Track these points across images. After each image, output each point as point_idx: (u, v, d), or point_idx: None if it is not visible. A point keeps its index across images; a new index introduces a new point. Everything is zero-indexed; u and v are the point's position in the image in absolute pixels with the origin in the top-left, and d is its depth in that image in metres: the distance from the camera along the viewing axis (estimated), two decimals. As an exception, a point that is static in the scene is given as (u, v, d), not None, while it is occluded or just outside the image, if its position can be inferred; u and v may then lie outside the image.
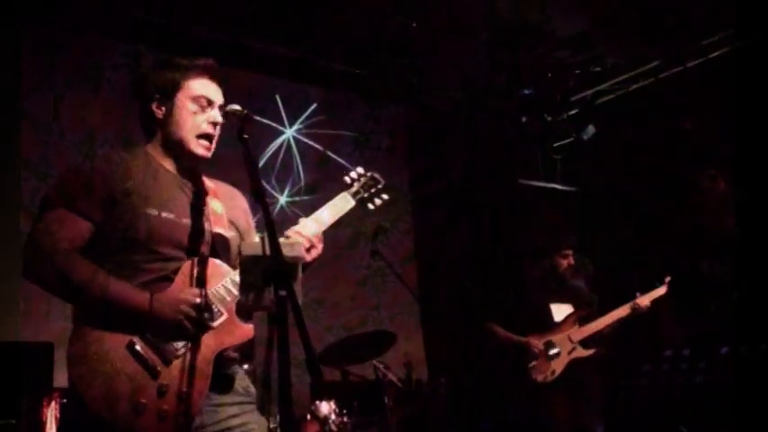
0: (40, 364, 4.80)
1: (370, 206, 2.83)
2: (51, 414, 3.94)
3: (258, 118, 6.80)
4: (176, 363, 2.26)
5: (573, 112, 8.03)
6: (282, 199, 6.86)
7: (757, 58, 6.39)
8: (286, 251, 2.02)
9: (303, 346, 1.84)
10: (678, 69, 7.00)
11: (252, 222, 2.75)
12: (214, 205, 2.54)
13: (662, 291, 5.06)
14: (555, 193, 8.21)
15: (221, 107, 2.52)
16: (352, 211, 2.74)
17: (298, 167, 7.06)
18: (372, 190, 2.83)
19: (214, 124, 2.50)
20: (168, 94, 2.51)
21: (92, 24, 5.93)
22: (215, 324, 2.33)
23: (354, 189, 2.78)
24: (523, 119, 8.13)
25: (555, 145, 8.33)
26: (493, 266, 7.17)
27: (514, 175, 8.05)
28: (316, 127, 7.25)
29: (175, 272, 2.35)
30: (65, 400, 4.00)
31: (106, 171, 2.41)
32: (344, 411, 4.91)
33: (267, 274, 1.99)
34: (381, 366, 5.11)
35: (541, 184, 8.16)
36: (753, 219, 4.58)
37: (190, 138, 2.48)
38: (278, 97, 7.05)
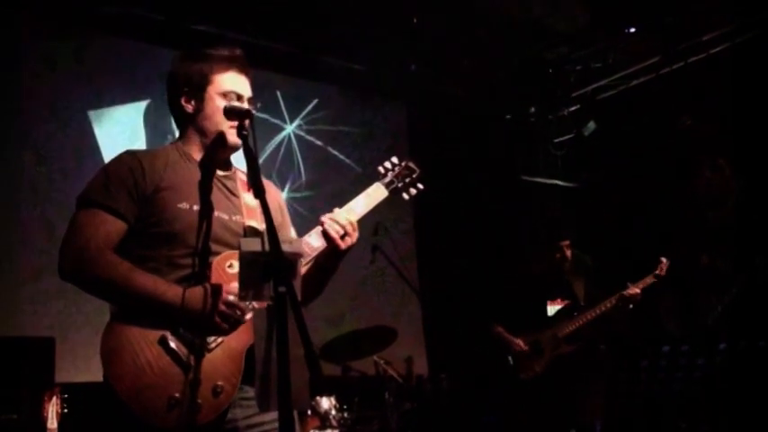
0: (41, 358, 4.81)
1: (405, 196, 2.77)
2: (52, 409, 3.95)
3: (258, 114, 6.84)
4: (209, 357, 2.26)
5: (574, 108, 8.04)
6: (284, 195, 6.87)
7: (757, 53, 6.39)
8: (286, 247, 2.02)
9: (302, 341, 1.85)
10: (679, 65, 7.00)
11: (287, 217, 2.75)
12: (247, 198, 2.54)
13: (650, 279, 5.04)
14: (556, 190, 8.22)
15: (251, 100, 2.54)
16: (385, 200, 2.70)
17: (298, 164, 7.07)
18: (407, 180, 2.77)
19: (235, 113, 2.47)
20: (197, 88, 2.51)
21: (94, 21, 5.95)
22: (247, 318, 2.33)
23: (388, 179, 2.73)
24: (524, 115, 8.14)
25: (556, 141, 8.34)
26: (495, 264, 7.16)
27: (516, 171, 8.05)
28: (316, 123, 7.25)
29: (209, 266, 2.35)
30: (66, 395, 4.02)
31: (138, 168, 2.41)
32: (345, 407, 4.92)
33: (267, 270, 2.00)
34: (382, 362, 5.12)
35: (543, 181, 8.16)
36: (752, 211, 4.58)
37: (224, 129, 2.48)
38: (278, 93, 7.05)
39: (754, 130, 6.26)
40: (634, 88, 7.53)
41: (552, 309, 5.30)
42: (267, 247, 2.00)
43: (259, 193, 2.13)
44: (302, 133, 7.16)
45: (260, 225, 2.49)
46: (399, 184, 2.74)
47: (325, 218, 2.48)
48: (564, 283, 5.39)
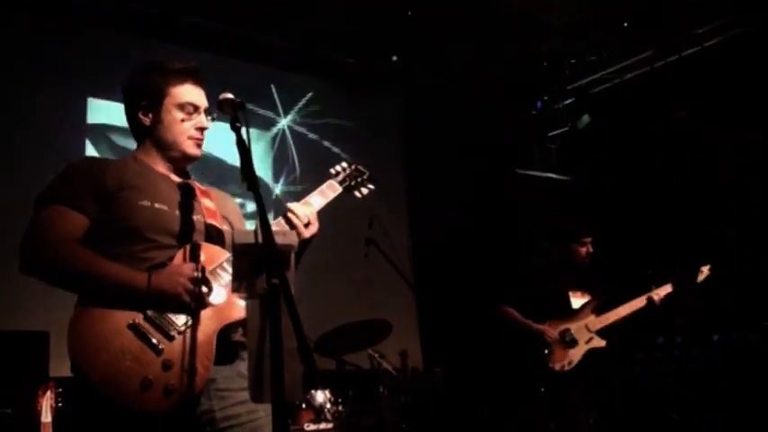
0: (35, 353, 4.80)
1: (357, 194, 2.91)
2: (47, 403, 3.94)
3: (252, 107, 6.83)
4: (179, 339, 2.28)
5: (568, 101, 8.04)
6: (278, 188, 6.86)
7: (751, 46, 6.40)
8: (279, 239, 2.01)
9: (295, 334, 1.84)
10: (673, 58, 7.00)
11: (244, 224, 2.81)
12: (206, 202, 2.61)
13: (668, 288, 5.02)
14: (553, 183, 8.22)
15: (207, 111, 2.60)
16: (339, 197, 2.79)
17: (293, 157, 7.06)
18: (359, 179, 2.91)
19: (201, 129, 2.58)
20: (154, 101, 2.57)
21: (90, 15, 5.94)
22: (215, 302, 2.35)
23: (341, 177, 2.84)
24: (519, 108, 8.14)
25: (550, 134, 8.35)
26: (491, 254, 7.17)
27: (511, 164, 8.06)
28: (311, 117, 7.24)
29: (171, 258, 2.38)
30: (60, 389, 4.01)
31: (99, 168, 2.46)
32: (339, 400, 4.92)
33: (260, 263, 1.99)
34: (376, 355, 5.11)
35: (537, 174, 8.16)
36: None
37: (182, 140, 2.56)
38: (273, 87, 7.04)
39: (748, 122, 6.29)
40: (628, 81, 7.53)
41: (575, 300, 5.23)
42: (260, 239, 2.00)
43: (252, 185, 2.12)
44: (297, 127, 7.15)
45: (219, 225, 2.57)
46: (352, 183, 2.88)
47: (287, 207, 2.56)
48: (582, 273, 5.32)
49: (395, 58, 7.05)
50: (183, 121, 2.55)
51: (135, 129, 2.63)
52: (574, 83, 7.87)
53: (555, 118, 8.24)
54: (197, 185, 2.65)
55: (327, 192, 2.75)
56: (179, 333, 2.28)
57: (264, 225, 2.01)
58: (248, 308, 2.06)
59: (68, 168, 2.49)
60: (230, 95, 2.45)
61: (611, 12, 6.70)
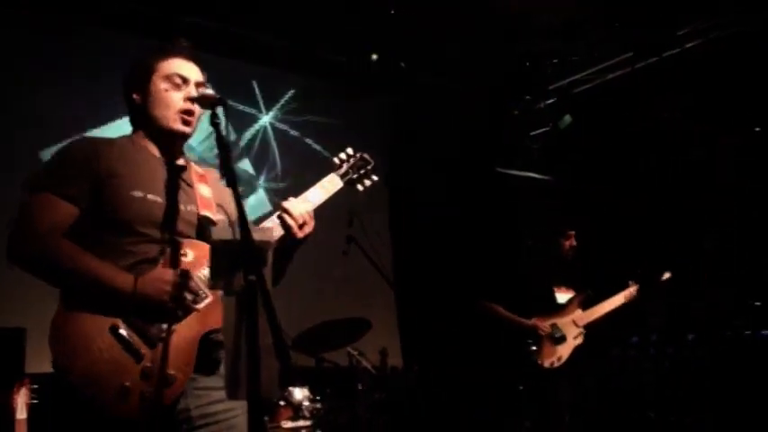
0: (11, 349, 4.76)
1: (359, 187, 2.84)
2: (22, 400, 3.90)
3: (234, 103, 6.80)
4: (161, 345, 2.25)
5: (550, 101, 8.07)
6: (260, 185, 6.83)
7: (732, 47, 6.45)
8: (257, 235, 2.01)
9: (271, 331, 1.84)
10: (654, 59, 7.04)
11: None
12: (202, 189, 2.55)
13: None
14: (535, 182, 8.25)
15: (199, 84, 2.52)
16: (340, 191, 2.74)
17: (274, 154, 7.03)
18: (362, 171, 2.84)
19: (191, 100, 2.48)
20: (143, 78, 2.52)
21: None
22: (200, 306, 2.32)
23: (343, 170, 2.78)
24: (502, 107, 8.16)
25: (532, 134, 8.38)
26: (473, 252, 7.18)
27: (493, 163, 8.08)
28: (293, 114, 7.22)
29: (161, 254, 2.34)
30: (36, 386, 3.97)
31: (92, 154, 2.41)
32: (318, 398, 4.91)
33: (237, 259, 1.98)
34: (355, 353, 5.11)
35: (518, 173, 8.19)
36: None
37: (168, 115, 2.48)
38: (255, 83, 7.01)
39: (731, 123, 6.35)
40: (610, 82, 7.56)
41: (563, 297, 5.19)
42: (238, 235, 1.99)
43: (231, 181, 2.11)
44: (278, 124, 7.12)
45: (214, 216, 2.51)
46: (354, 176, 2.81)
47: (281, 206, 2.50)
48: (567, 267, 5.30)
49: (374, 56, 7.02)
50: (167, 91, 2.49)
51: (130, 110, 2.58)
52: (556, 83, 7.89)
53: (537, 118, 8.26)
54: (194, 168, 2.60)
55: (328, 186, 2.69)
56: (161, 339, 2.25)
57: (243, 221, 2.00)
58: (225, 304, 2.05)
59: (64, 152, 2.44)
60: (210, 91, 2.45)
61: (594, 12, 6.72)
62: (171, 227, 2.39)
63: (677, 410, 3.38)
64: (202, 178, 2.59)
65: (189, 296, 2.29)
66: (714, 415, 3.24)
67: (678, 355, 2.82)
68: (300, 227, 2.48)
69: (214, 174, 2.68)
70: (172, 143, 2.54)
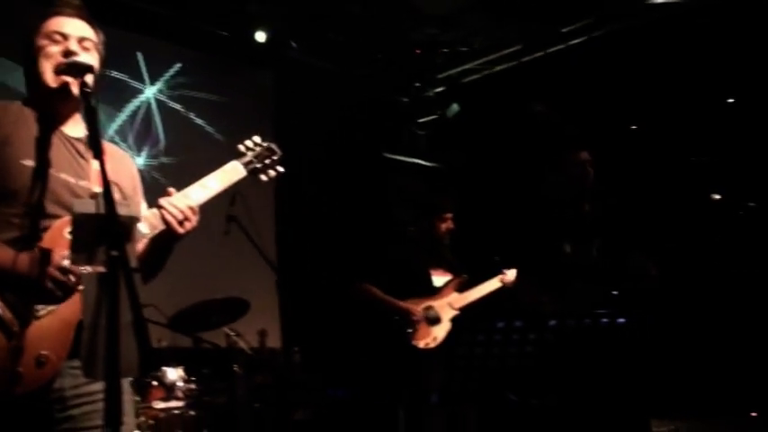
0: None
1: (263, 177, 2.75)
2: None
3: (117, 74, 6.57)
4: (36, 324, 2.15)
5: (439, 89, 8.19)
6: (140, 161, 6.63)
7: (614, 47, 6.72)
8: (122, 210, 1.95)
9: (131, 308, 1.79)
10: (539, 54, 7.26)
11: (139, 188, 2.64)
12: (98, 165, 2.43)
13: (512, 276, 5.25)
14: (420, 168, 8.38)
15: (82, 39, 2.41)
16: (242, 181, 2.65)
17: (157, 129, 6.84)
18: (267, 161, 2.75)
19: (67, 53, 2.34)
20: (29, 40, 2.40)
21: None
22: (82, 288, 2.22)
23: (247, 159, 2.68)
24: (390, 93, 8.22)
25: (420, 121, 8.49)
26: (356, 235, 7.22)
27: (380, 148, 8.14)
28: (179, 89, 7.03)
29: (47, 229, 2.23)
30: None
31: None
32: (193, 378, 4.85)
33: (100, 233, 1.92)
34: (233, 334, 5.06)
35: (405, 159, 8.29)
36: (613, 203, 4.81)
37: (44, 69, 2.35)
38: (139, 54, 6.79)
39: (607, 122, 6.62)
40: (498, 74, 7.74)
41: (439, 279, 5.23)
42: (102, 209, 1.93)
43: (98, 153, 2.04)
44: (163, 98, 6.92)
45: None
46: (258, 165, 2.72)
47: (163, 201, 2.40)
48: (442, 250, 5.35)
49: (262, 33, 6.91)
50: (45, 47, 2.36)
51: (25, 75, 2.43)
52: (445, 72, 8.01)
53: (425, 105, 8.37)
54: None
55: (230, 174, 2.60)
56: (36, 318, 2.16)
57: (107, 194, 1.94)
58: (85, 280, 1.99)
59: None
60: (79, 58, 2.35)
61: (485, 3, 6.85)
62: (62, 201, 2.28)
63: (538, 394, 3.52)
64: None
65: (72, 277, 2.19)
66: (572, 397, 3.39)
67: (540, 339, 2.94)
68: (181, 223, 2.39)
69: (111, 149, 2.57)
70: (60, 105, 2.40)
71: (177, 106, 6.98)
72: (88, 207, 1.96)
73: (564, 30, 6.99)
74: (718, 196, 4.46)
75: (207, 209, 2.59)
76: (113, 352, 1.79)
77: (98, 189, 2.31)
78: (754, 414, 5.25)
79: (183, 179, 2.55)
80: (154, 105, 6.84)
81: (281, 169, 2.79)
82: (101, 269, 1.89)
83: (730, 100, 6.54)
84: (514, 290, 5.18)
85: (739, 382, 5.61)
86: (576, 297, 4.56)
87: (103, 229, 1.90)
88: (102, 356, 1.81)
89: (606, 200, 4.64)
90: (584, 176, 4.63)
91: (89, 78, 2.22)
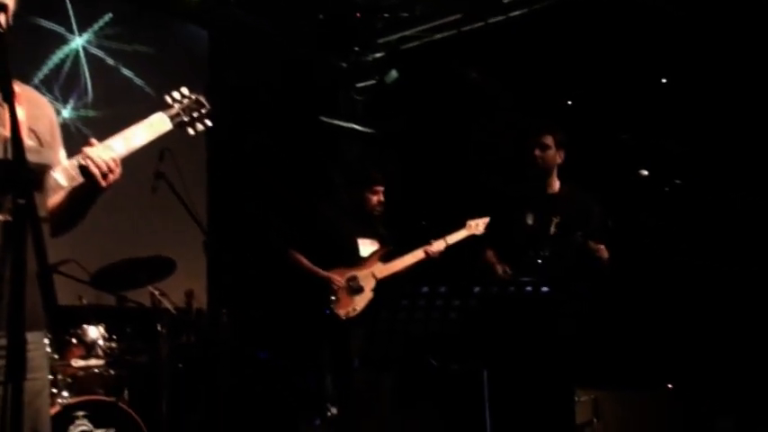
0: None
1: (191, 131, 2.64)
2: None
3: (42, 21, 6.30)
4: None
5: (378, 54, 8.12)
6: (66, 112, 6.40)
7: (554, 21, 6.74)
8: (32, 156, 1.86)
9: (37, 259, 1.71)
10: (480, 24, 7.24)
11: (58, 136, 2.48)
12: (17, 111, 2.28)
13: (462, 234, 5.26)
14: (354, 133, 8.32)
15: None
16: (168, 134, 2.54)
17: (85, 81, 6.60)
18: (195, 114, 2.64)
19: None
20: None
21: None
22: None
23: (174, 111, 2.57)
24: (328, 56, 8.11)
25: (357, 86, 8.41)
26: (290, 198, 7.15)
27: (316, 112, 8.04)
28: (109, 39, 6.78)
29: None
30: None
31: None
32: (114, 337, 4.74)
33: (7, 180, 1.83)
34: (157, 293, 4.96)
35: (341, 123, 8.22)
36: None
37: None
38: (68, 2, 6.52)
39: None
40: (438, 42, 7.70)
41: (365, 249, 5.26)
42: (9, 155, 1.83)
43: (6, 96, 1.93)
44: (92, 48, 6.67)
45: (25, 140, 2.20)
46: (186, 118, 2.61)
47: (86, 151, 2.27)
48: (372, 221, 5.38)
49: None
50: None
51: None
52: (385, 37, 7.93)
53: (364, 70, 8.29)
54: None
55: (155, 126, 2.49)
56: None
57: (15, 139, 1.84)
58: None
59: None
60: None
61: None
62: None
63: (460, 359, 3.55)
64: (16, 97, 2.33)
65: None
66: (497, 365, 3.43)
67: (464, 306, 2.95)
68: (104, 176, 2.28)
69: (29, 93, 2.42)
70: None
71: (107, 58, 6.74)
72: (-7, 152, 1.86)
73: (505, 1, 6.97)
74: (645, 172, 4.55)
75: (135, 164, 2.49)
76: (18, 304, 1.71)
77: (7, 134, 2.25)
78: (669, 386, 5.43)
79: (111, 133, 2.43)
80: (82, 56, 6.60)
81: (209, 123, 2.70)
82: (6, 217, 1.81)
83: (664, 80, 6.65)
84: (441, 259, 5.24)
85: (658, 357, 5.79)
86: (528, 267, 4.66)
87: (11, 175, 1.81)
88: (5, 309, 1.73)
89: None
90: (540, 158, 4.84)
91: (1, 18, 2.09)
